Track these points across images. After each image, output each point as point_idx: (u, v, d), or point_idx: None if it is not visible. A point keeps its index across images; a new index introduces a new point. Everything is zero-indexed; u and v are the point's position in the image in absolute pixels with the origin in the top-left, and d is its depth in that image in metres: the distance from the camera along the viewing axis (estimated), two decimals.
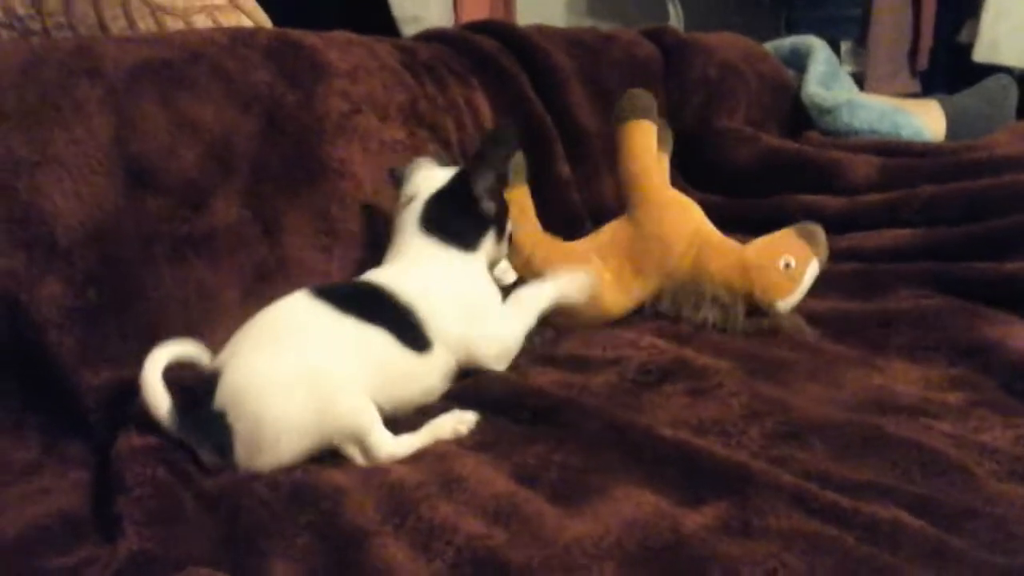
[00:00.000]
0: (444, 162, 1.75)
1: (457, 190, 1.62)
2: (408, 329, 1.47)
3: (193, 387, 1.36)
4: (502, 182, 1.70)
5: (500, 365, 1.58)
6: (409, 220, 1.61)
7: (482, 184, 1.61)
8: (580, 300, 1.72)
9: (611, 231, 1.89)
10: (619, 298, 1.83)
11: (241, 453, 1.29)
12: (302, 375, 1.31)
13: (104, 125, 1.56)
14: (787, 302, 1.73)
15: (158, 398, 1.30)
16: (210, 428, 1.30)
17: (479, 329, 1.56)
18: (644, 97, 1.90)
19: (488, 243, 1.64)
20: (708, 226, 1.86)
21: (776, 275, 1.73)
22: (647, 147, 1.88)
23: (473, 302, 1.57)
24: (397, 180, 1.73)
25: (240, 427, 1.29)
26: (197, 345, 1.39)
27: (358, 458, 1.33)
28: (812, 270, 1.75)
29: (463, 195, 1.61)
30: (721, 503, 1.13)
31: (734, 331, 1.71)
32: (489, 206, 1.63)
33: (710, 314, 1.73)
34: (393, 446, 1.34)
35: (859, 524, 1.07)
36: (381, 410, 1.37)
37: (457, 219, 1.61)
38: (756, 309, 1.73)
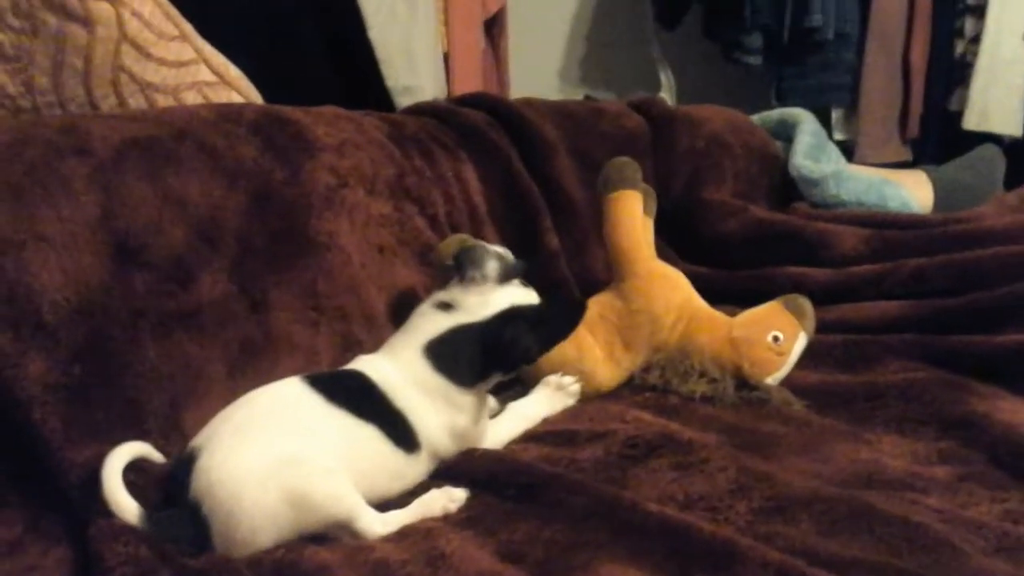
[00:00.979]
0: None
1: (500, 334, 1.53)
2: (398, 428, 1.46)
3: (165, 475, 1.37)
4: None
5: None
6: (420, 345, 1.54)
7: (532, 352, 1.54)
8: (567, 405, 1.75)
9: (599, 305, 1.89)
10: (610, 372, 1.84)
11: (218, 545, 1.27)
12: (277, 465, 1.29)
13: (91, 202, 1.55)
14: (775, 377, 1.74)
15: (123, 505, 1.27)
16: (185, 523, 1.28)
17: (469, 441, 1.55)
18: (628, 166, 1.93)
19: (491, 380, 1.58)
20: (696, 299, 1.88)
21: (764, 350, 1.74)
22: (634, 216, 1.91)
23: (463, 418, 1.53)
24: (463, 263, 1.60)
25: (215, 520, 1.27)
26: (147, 446, 1.39)
27: (346, 539, 1.31)
28: (800, 344, 1.76)
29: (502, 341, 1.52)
30: None
31: (723, 404, 1.71)
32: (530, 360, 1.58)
33: (699, 387, 1.74)
34: (381, 527, 1.33)
35: None
36: (366, 498, 1.35)
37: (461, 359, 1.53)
38: (745, 382, 1.73)
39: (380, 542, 1.29)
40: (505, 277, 1.59)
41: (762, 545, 1.17)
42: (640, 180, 1.94)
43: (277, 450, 1.31)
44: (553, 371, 1.77)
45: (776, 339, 1.76)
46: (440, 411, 1.51)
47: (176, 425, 1.51)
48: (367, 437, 1.42)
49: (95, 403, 1.46)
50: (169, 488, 1.34)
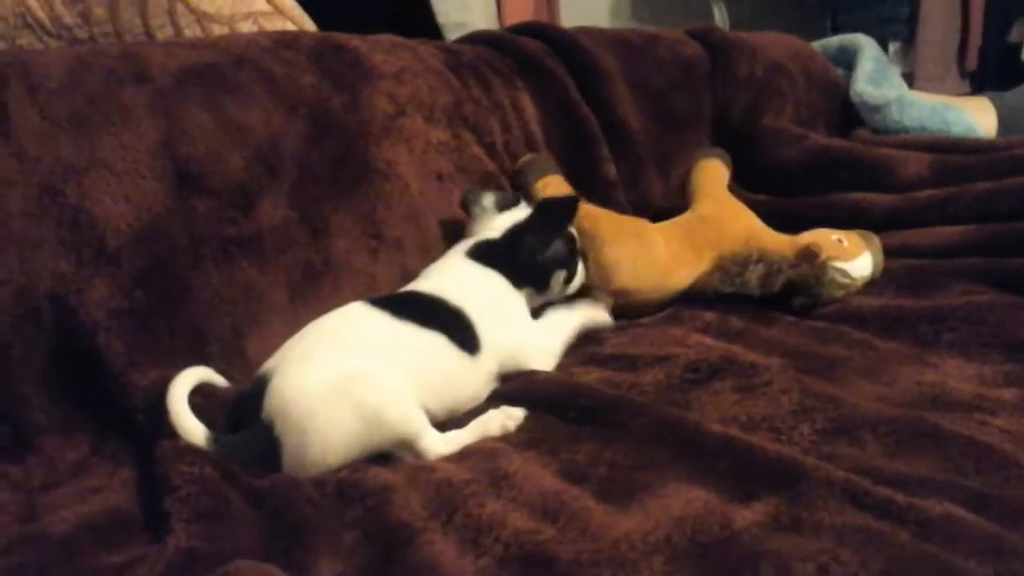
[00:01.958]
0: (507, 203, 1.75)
1: (512, 243, 1.65)
2: (460, 332, 1.47)
3: (230, 400, 1.38)
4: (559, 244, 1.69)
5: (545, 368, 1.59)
6: (463, 251, 1.65)
7: (538, 247, 1.65)
8: (606, 325, 1.74)
9: (670, 222, 1.95)
10: (678, 272, 1.85)
11: (288, 466, 1.28)
12: (348, 383, 1.30)
13: (151, 129, 1.57)
14: (839, 264, 1.77)
15: (189, 428, 1.28)
16: (253, 445, 1.29)
17: (524, 336, 1.58)
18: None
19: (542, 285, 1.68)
20: (764, 225, 1.92)
21: (829, 244, 1.79)
22: (716, 173, 2.05)
23: (514, 313, 1.60)
24: (467, 205, 1.76)
25: (287, 439, 1.28)
26: (211, 371, 1.40)
27: (409, 459, 1.32)
28: (864, 261, 1.77)
29: (517, 248, 1.65)
30: (772, 499, 1.11)
31: (774, 288, 1.75)
32: (546, 260, 1.66)
33: (755, 273, 1.74)
34: (443, 447, 1.34)
35: (913, 520, 1.05)
36: (431, 415, 1.37)
37: (508, 263, 1.64)
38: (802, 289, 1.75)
39: (442, 462, 1.30)
40: (504, 206, 1.72)
41: (826, 464, 1.16)
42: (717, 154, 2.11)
43: (348, 369, 1.32)
44: (620, 271, 1.78)
45: (840, 241, 1.81)
46: (493, 306, 1.56)
47: (238, 350, 1.53)
48: (433, 343, 1.43)
49: (158, 328, 1.48)
50: (238, 412, 1.35)
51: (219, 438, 1.28)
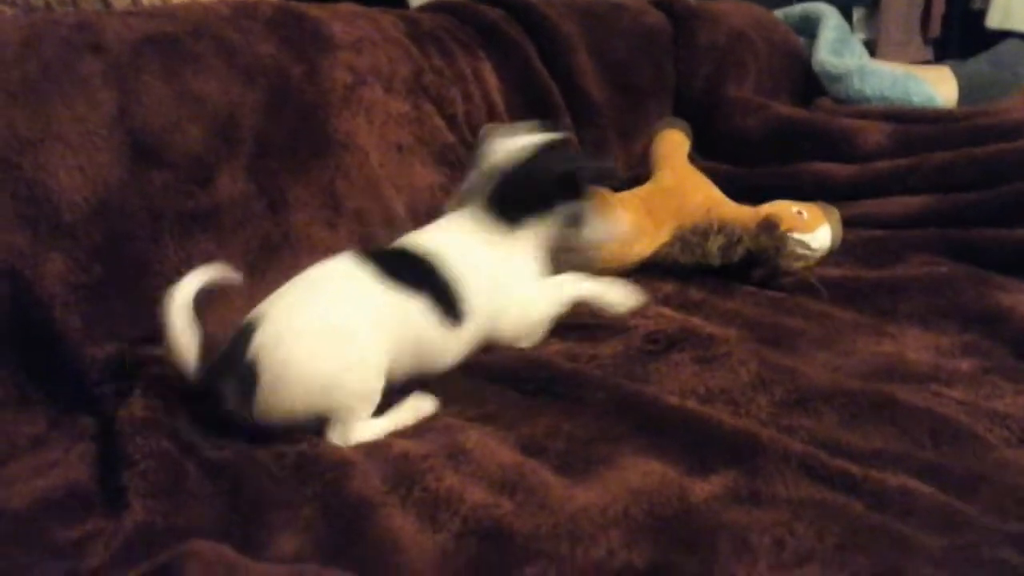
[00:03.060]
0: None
1: (531, 166, 1.59)
2: (447, 301, 1.47)
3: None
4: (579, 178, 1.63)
5: (523, 343, 1.57)
6: (475, 186, 1.61)
7: (556, 167, 1.59)
8: (625, 307, 1.64)
9: (629, 192, 1.95)
10: (639, 242, 1.86)
11: (259, 405, 1.29)
12: (338, 338, 1.34)
13: (107, 100, 1.55)
14: (798, 236, 1.78)
15: (184, 345, 1.32)
16: (237, 373, 1.30)
17: (504, 304, 1.55)
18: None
19: (544, 226, 1.60)
20: (723, 197, 1.93)
21: (789, 216, 1.80)
22: (676, 143, 2.05)
23: (503, 279, 1.55)
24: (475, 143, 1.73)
25: (266, 376, 1.29)
26: (213, 270, 1.40)
27: (333, 432, 1.33)
28: (824, 233, 1.77)
29: (534, 172, 1.58)
30: (729, 472, 1.13)
31: (734, 259, 1.76)
32: (553, 189, 1.59)
33: (716, 242, 1.75)
34: (363, 433, 1.34)
35: (868, 491, 1.07)
36: (399, 376, 1.39)
37: (519, 195, 1.58)
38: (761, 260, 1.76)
39: (399, 437, 1.30)
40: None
41: (784, 437, 1.17)
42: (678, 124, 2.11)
43: (337, 322, 1.35)
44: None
45: (800, 212, 1.81)
46: (484, 269, 1.52)
47: (196, 324, 1.51)
48: (416, 311, 1.43)
49: (115, 302, 1.48)
50: (223, 355, 1.34)
51: (206, 368, 1.31)
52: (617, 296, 1.60)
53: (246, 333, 1.32)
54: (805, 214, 1.82)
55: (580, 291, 1.60)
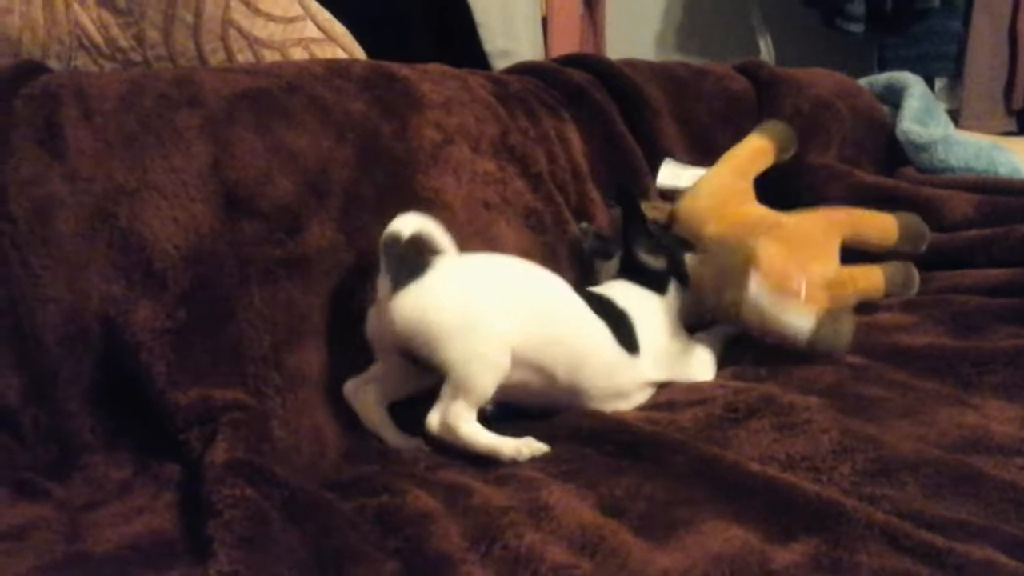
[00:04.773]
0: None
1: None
2: (620, 329, 1.58)
3: None
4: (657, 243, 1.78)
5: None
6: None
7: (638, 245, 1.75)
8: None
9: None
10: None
11: (403, 297, 1.43)
12: (497, 301, 1.46)
13: (202, 152, 1.59)
14: (762, 292, 1.68)
15: (402, 223, 1.48)
16: (409, 262, 1.46)
17: (682, 343, 1.70)
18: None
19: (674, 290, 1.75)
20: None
21: (789, 277, 1.71)
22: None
23: (669, 321, 1.71)
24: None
25: (428, 278, 1.44)
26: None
27: (441, 406, 1.41)
28: (803, 320, 1.68)
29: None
30: (811, 540, 1.12)
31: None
32: (650, 260, 1.74)
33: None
34: (467, 426, 1.41)
35: (952, 563, 1.05)
36: (556, 382, 1.52)
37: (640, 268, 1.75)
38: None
39: (480, 487, 1.31)
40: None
41: (867, 506, 1.16)
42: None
43: (513, 295, 1.50)
44: None
45: (800, 284, 1.70)
46: (650, 315, 1.67)
47: (277, 366, 1.54)
48: (595, 328, 1.55)
49: (199, 347, 1.50)
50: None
51: (396, 240, 1.47)
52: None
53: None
54: (803, 293, 1.69)
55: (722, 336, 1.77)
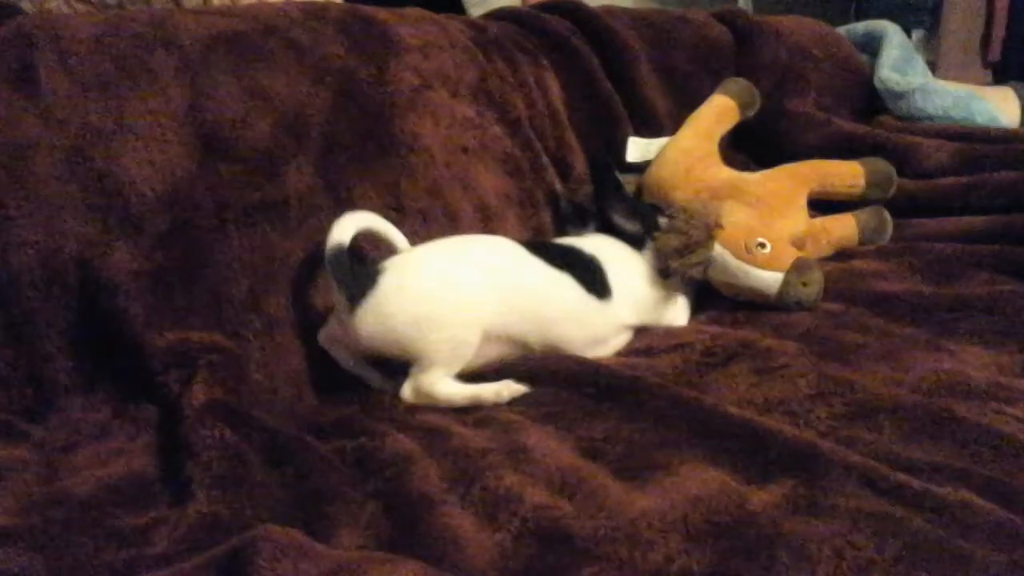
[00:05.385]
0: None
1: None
2: (588, 275, 1.59)
3: None
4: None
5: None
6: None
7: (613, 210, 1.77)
8: None
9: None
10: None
11: (363, 310, 1.42)
12: (452, 292, 1.46)
13: (178, 95, 1.58)
14: (726, 258, 1.72)
15: (339, 232, 1.45)
16: (360, 275, 1.44)
17: (657, 288, 1.70)
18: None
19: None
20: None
21: (739, 241, 1.73)
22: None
23: (645, 269, 1.71)
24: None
25: (382, 287, 1.43)
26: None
27: (410, 382, 1.43)
28: (770, 278, 1.70)
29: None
30: (788, 481, 1.12)
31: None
32: (625, 224, 1.76)
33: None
34: (438, 391, 1.42)
35: (928, 506, 1.06)
36: (530, 347, 1.53)
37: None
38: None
39: (459, 429, 1.32)
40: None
41: (843, 448, 1.17)
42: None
43: (459, 283, 1.48)
44: None
45: (762, 245, 1.72)
46: (625, 261, 1.69)
47: (255, 309, 1.54)
48: (555, 281, 1.55)
49: (176, 290, 1.50)
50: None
51: (342, 255, 1.44)
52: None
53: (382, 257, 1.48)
54: (768, 248, 1.71)
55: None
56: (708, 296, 1.79)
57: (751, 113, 2.17)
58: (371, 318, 1.42)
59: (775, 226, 1.80)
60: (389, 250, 1.57)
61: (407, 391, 1.43)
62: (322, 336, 1.54)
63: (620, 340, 1.63)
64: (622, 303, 1.62)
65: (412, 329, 1.42)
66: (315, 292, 1.59)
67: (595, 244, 1.68)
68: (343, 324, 1.47)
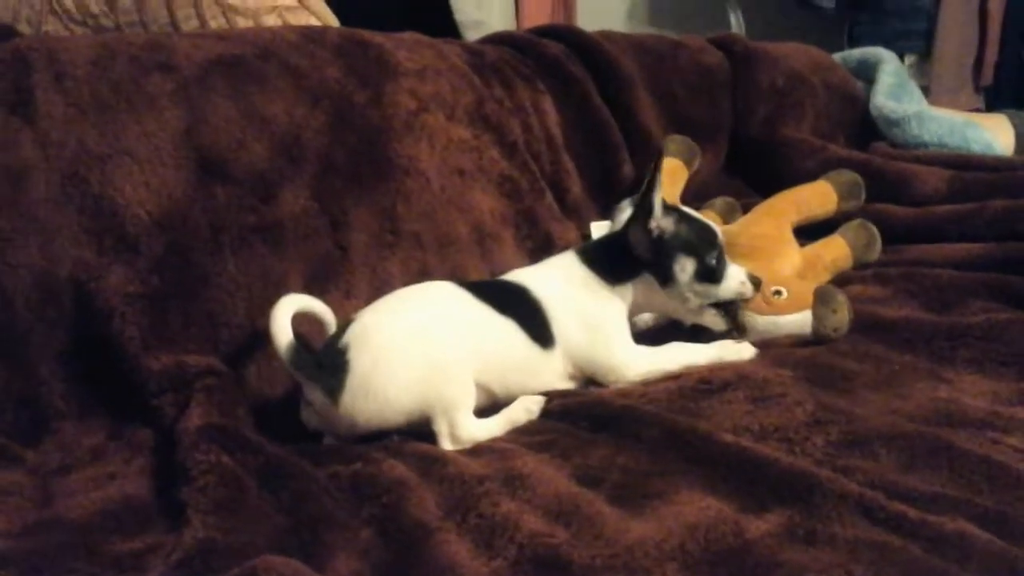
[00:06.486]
0: None
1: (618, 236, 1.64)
2: (534, 324, 1.53)
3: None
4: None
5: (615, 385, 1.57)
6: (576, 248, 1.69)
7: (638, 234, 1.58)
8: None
9: None
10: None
11: (348, 396, 1.36)
12: (427, 339, 1.41)
13: (175, 118, 1.58)
14: (754, 318, 1.69)
15: (282, 331, 1.38)
16: (328, 363, 1.38)
17: (603, 344, 1.57)
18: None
19: (639, 285, 1.60)
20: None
21: (765, 293, 1.69)
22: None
23: (600, 319, 1.57)
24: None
25: (357, 365, 1.36)
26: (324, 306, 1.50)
27: (443, 435, 1.39)
28: (798, 319, 1.68)
29: (624, 237, 1.61)
30: (786, 510, 1.12)
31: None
32: (640, 242, 1.58)
33: None
34: (475, 430, 1.40)
35: (926, 535, 1.05)
36: (492, 395, 1.47)
37: (611, 255, 1.62)
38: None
39: (456, 456, 1.31)
40: None
41: (841, 477, 1.16)
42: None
43: (429, 326, 1.43)
44: None
45: (778, 293, 1.70)
46: (578, 305, 1.57)
47: (252, 332, 1.54)
48: (503, 329, 1.50)
49: (172, 313, 1.50)
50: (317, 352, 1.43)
51: (299, 350, 1.38)
52: (731, 353, 1.61)
53: (342, 328, 1.41)
54: (784, 294, 1.69)
55: (698, 358, 1.60)
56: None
57: (696, 166, 2.19)
58: (360, 403, 1.38)
59: (777, 269, 1.80)
60: (319, 323, 1.52)
61: (447, 444, 1.39)
62: (306, 420, 1.48)
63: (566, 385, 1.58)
64: (562, 352, 1.55)
65: (408, 394, 1.39)
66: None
67: (549, 282, 1.59)
68: (329, 417, 1.42)
